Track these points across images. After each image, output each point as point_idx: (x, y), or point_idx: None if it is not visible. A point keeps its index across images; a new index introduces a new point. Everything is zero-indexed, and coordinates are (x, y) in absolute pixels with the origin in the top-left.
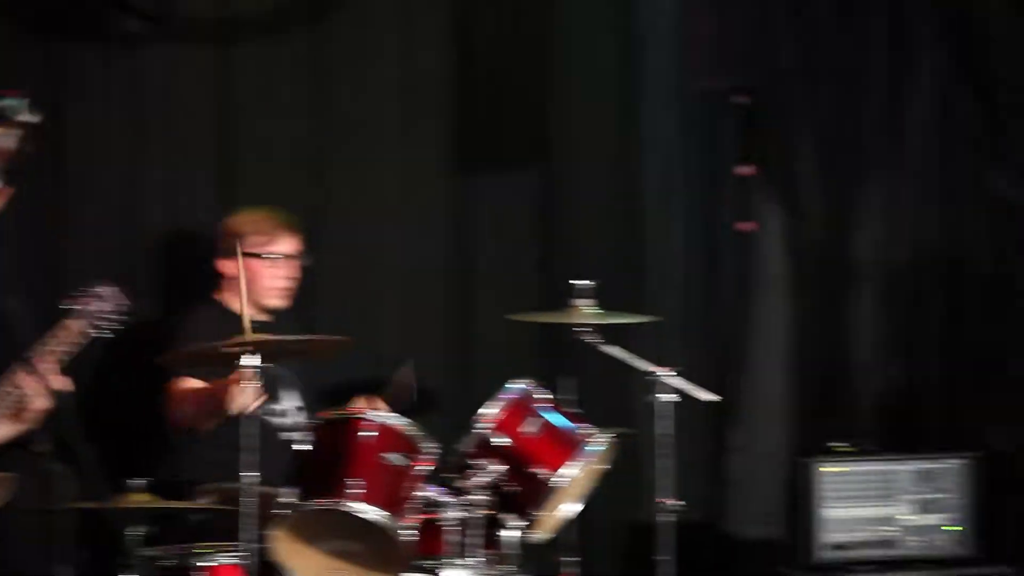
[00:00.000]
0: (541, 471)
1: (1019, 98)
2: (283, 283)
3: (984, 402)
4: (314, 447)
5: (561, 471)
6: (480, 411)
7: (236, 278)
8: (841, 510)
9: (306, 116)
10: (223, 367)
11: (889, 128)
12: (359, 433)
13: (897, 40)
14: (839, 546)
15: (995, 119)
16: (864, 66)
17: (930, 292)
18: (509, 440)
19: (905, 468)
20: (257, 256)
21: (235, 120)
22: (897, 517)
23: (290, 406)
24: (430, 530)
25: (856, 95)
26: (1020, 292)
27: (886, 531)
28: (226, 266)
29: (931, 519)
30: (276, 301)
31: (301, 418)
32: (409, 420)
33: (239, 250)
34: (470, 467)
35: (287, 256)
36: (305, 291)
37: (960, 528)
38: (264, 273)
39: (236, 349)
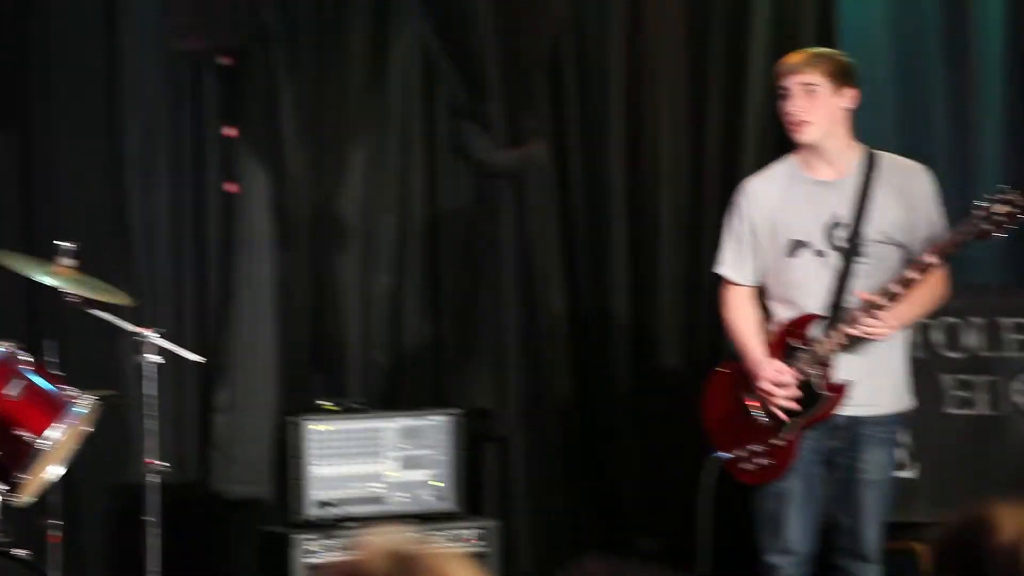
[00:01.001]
0: (24, 434)
1: (499, 65)
2: None
3: (466, 360)
4: None
5: (45, 434)
6: None
7: None
8: (328, 467)
9: None
10: None
11: (373, 91)
12: None
13: (381, 4)
14: (327, 503)
15: (475, 86)
16: (348, 28)
17: (414, 252)
18: None
19: (391, 425)
20: None
21: None
22: (384, 474)
23: None
24: None
25: (341, 57)
26: (502, 252)
27: (373, 488)
28: None
29: (416, 475)
30: None
31: None
32: None
33: None
34: None
35: None
36: None
37: (442, 484)
38: None
39: None
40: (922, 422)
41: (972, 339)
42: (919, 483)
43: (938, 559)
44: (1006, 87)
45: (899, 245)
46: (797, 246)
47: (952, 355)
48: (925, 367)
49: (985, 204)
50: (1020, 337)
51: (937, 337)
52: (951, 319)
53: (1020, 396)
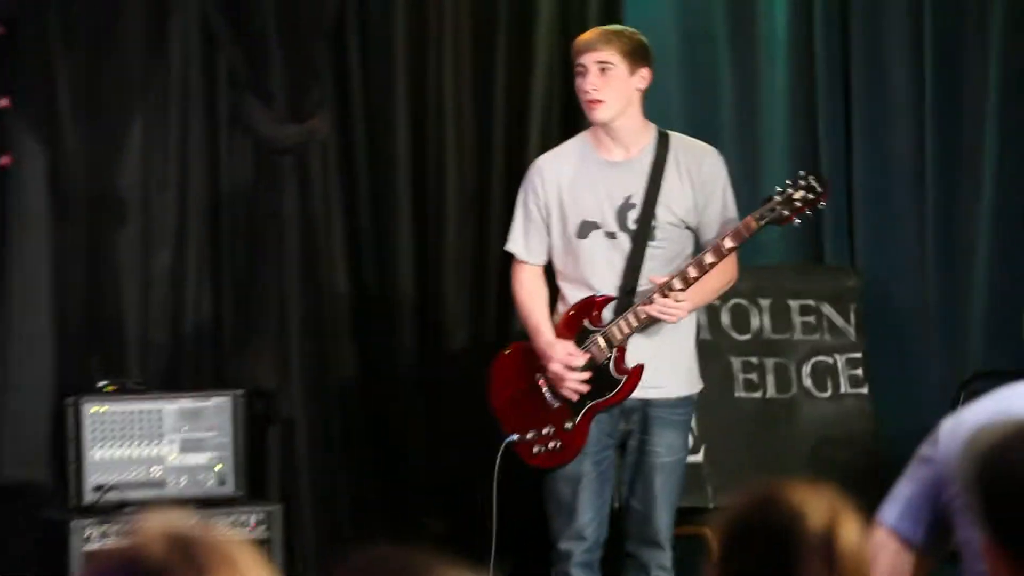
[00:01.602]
0: None
1: (281, 37)
2: None
3: (248, 339)
4: None
5: None
6: None
7: None
8: (107, 450)
9: None
10: None
11: (151, 62)
12: None
13: None
14: (106, 487)
15: (256, 58)
16: None
17: (194, 228)
18: None
19: (171, 407)
20: None
21: None
22: (164, 456)
23: None
24: None
25: (118, 27)
26: (285, 229)
27: (153, 471)
28: None
29: (197, 458)
30: None
31: None
32: None
33: None
34: None
35: None
36: None
37: (223, 467)
38: None
39: None
40: (709, 405)
41: (760, 321)
42: (704, 468)
43: (725, 541)
44: (791, 65)
45: (690, 228)
46: (588, 227)
47: (740, 337)
48: (714, 349)
49: (785, 189)
50: (807, 319)
51: (725, 319)
52: (740, 301)
53: (809, 379)
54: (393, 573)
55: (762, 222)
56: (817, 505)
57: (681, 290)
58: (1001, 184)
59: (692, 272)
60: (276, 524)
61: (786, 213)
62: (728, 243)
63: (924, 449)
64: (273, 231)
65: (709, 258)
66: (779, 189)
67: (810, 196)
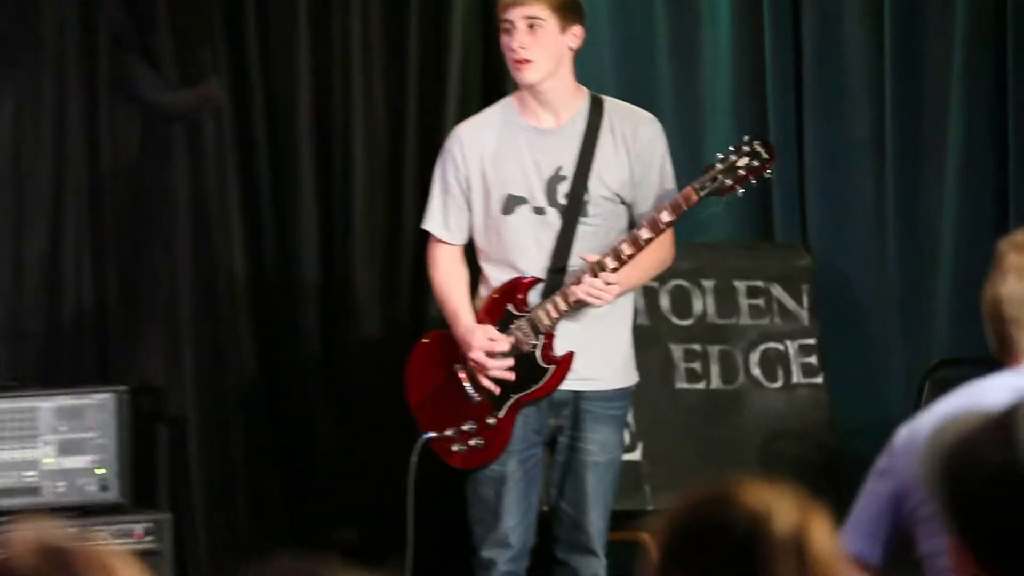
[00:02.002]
0: None
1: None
2: None
3: (134, 329)
4: None
5: None
6: None
7: None
8: None
9: None
10: None
11: (22, 22)
12: None
13: None
14: None
15: (141, 15)
16: None
17: (72, 206)
18: None
19: (47, 405)
20: None
21: None
22: (39, 461)
23: None
24: None
25: None
26: (175, 206)
27: (27, 477)
28: None
29: (76, 462)
30: None
31: None
32: None
33: None
34: None
35: None
36: None
37: (106, 471)
38: None
39: None
40: (648, 398)
41: (703, 304)
42: (642, 467)
43: (669, 545)
44: (735, 21)
45: (625, 203)
46: (514, 202)
47: (681, 323)
48: (652, 336)
49: (727, 156)
50: (755, 302)
51: (665, 303)
52: (681, 282)
53: (757, 368)
54: None
55: (703, 192)
56: (782, 505)
57: (614, 270)
58: (966, 160)
59: (626, 249)
60: (165, 534)
61: (729, 182)
62: (665, 216)
63: (880, 462)
64: (161, 208)
65: (645, 233)
66: (720, 156)
67: (755, 163)
